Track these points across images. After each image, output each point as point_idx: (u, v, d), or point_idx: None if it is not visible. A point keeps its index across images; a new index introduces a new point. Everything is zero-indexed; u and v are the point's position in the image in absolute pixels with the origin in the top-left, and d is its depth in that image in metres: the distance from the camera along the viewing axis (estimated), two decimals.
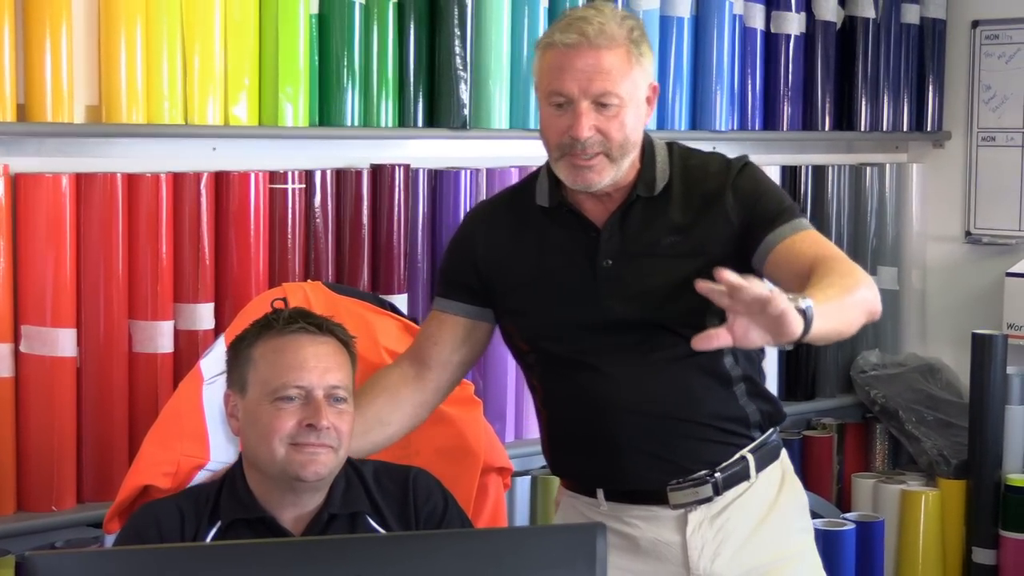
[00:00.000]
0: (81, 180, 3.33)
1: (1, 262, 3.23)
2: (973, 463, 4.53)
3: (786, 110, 4.59)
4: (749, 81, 4.51)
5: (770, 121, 4.58)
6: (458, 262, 2.95)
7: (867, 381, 4.82)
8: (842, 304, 2.56)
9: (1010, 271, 4.66)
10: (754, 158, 3.13)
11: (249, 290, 3.43)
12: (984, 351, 4.44)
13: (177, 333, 3.47)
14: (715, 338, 2.37)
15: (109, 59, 3.36)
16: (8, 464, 3.28)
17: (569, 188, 2.85)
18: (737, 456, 2.89)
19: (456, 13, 3.79)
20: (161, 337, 3.44)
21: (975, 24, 4.90)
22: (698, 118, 4.37)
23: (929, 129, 4.94)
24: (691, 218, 2.84)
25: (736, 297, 2.32)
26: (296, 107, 3.58)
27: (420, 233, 3.79)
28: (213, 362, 3.02)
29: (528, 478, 4.09)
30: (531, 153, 4.01)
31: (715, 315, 2.57)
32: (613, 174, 2.77)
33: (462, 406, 3.27)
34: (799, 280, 2.63)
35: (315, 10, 3.62)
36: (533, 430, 4.05)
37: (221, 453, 2.93)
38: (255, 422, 2.60)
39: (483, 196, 3.91)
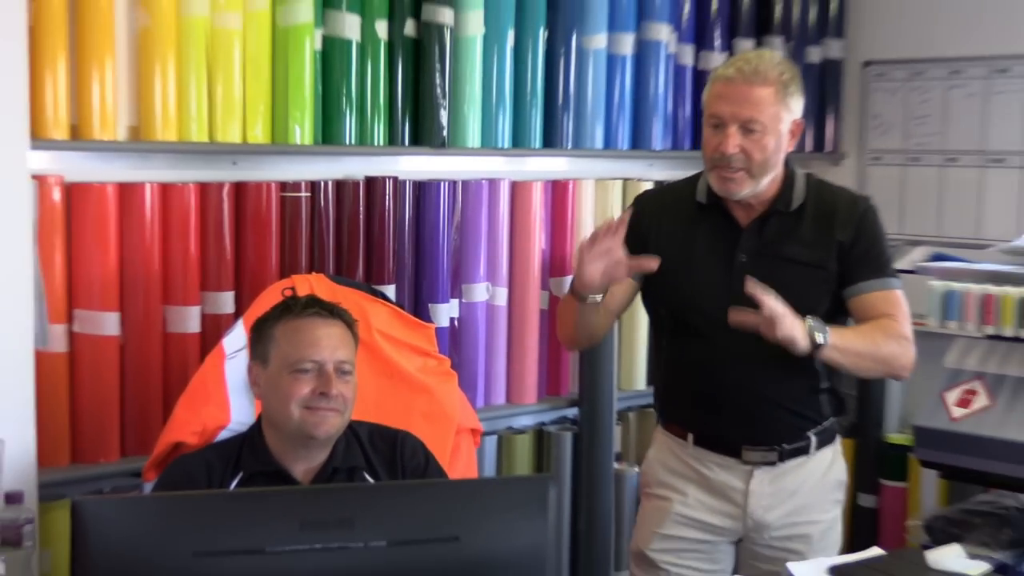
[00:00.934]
0: (123, 189, 3.35)
1: (57, 257, 3.25)
2: (860, 425, 4.62)
3: None
4: (680, 108, 4.54)
5: (698, 142, 4.52)
6: (629, 235, 2.95)
7: None
8: (860, 353, 2.86)
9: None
10: (684, 173, 3.23)
11: (264, 280, 3.45)
12: None
13: (204, 316, 3.49)
14: (749, 317, 2.71)
15: (146, 87, 3.37)
16: (63, 424, 3.30)
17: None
18: (804, 435, 3.02)
19: (437, 51, 3.83)
20: (190, 320, 3.47)
21: (866, 64, 4.96)
22: (638, 139, 4.41)
23: (828, 150, 4.98)
24: (817, 236, 2.96)
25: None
26: (303, 128, 3.60)
27: (406, 234, 3.82)
28: (234, 340, 3.09)
29: (495, 437, 4.13)
30: (498, 168, 4.12)
31: (819, 315, 2.83)
32: (752, 188, 2.92)
33: (440, 377, 3.34)
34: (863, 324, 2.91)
35: (319, 47, 3.63)
36: (500, 396, 4.13)
37: (240, 415, 3.01)
38: (276, 389, 2.67)
39: (459, 204, 3.96)
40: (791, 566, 2.58)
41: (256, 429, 2.76)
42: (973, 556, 2.62)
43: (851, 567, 2.57)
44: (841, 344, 2.80)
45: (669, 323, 3.08)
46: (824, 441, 3.05)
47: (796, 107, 2.93)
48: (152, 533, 1.90)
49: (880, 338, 2.88)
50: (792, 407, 2.98)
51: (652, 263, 2.86)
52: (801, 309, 2.76)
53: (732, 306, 2.82)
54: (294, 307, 2.74)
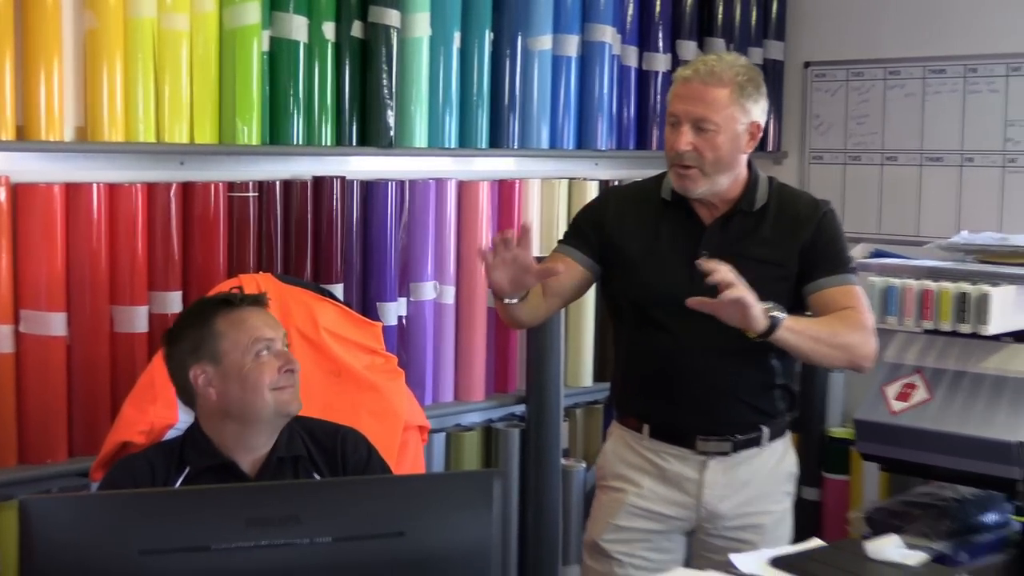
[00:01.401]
0: (70, 189, 3.32)
1: (3, 258, 3.23)
2: (803, 419, 4.57)
3: (655, 133, 4.61)
4: (625, 109, 4.55)
5: (642, 142, 4.60)
6: (589, 221, 3.05)
7: None
8: (818, 337, 2.85)
9: None
10: (629, 172, 3.24)
11: (212, 280, 3.43)
12: None
13: (151, 316, 3.46)
14: (702, 304, 2.71)
15: (94, 88, 3.35)
16: (10, 424, 3.28)
17: None
18: (757, 427, 3.03)
19: (384, 52, 3.82)
20: (138, 319, 3.44)
21: (807, 65, 4.99)
22: (583, 139, 4.42)
23: (771, 150, 5.00)
24: (778, 236, 2.98)
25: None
26: (250, 129, 3.58)
27: (354, 233, 3.82)
28: None
29: (443, 434, 4.13)
30: (445, 167, 4.12)
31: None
32: (708, 187, 2.93)
33: (387, 375, 3.33)
34: None
35: (266, 48, 3.62)
36: (448, 394, 4.12)
37: (188, 415, 2.94)
38: (242, 379, 2.65)
39: (407, 203, 3.95)
40: (734, 557, 2.58)
41: (196, 428, 2.75)
42: (912, 547, 2.63)
43: (792, 558, 2.57)
44: (797, 327, 2.80)
45: (630, 315, 3.09)
46: (776, 434, 3.07)
47: (754, 109, 2.94)
48: (99, 531, 1.88)
49: (839, 326, 2.89)
50: (747, 400, 2.99)
51: (557, 268, 2.88)
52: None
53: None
54: (222, 301, 2.75)
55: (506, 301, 2.94)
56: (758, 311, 2.70)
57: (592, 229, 3.05)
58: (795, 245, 2.96)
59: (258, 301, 2.76)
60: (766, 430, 3.03)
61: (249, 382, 2.65)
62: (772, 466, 3.08)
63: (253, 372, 2.65)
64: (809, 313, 2.96)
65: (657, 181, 3.09)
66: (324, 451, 2.78)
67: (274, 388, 2.64)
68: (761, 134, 2.99)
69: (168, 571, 1.86)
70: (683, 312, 2.81)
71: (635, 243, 3.03)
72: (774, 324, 2.74)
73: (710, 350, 2.90)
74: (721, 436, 3.01)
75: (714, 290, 2.76)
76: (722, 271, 2.67)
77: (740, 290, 2.66)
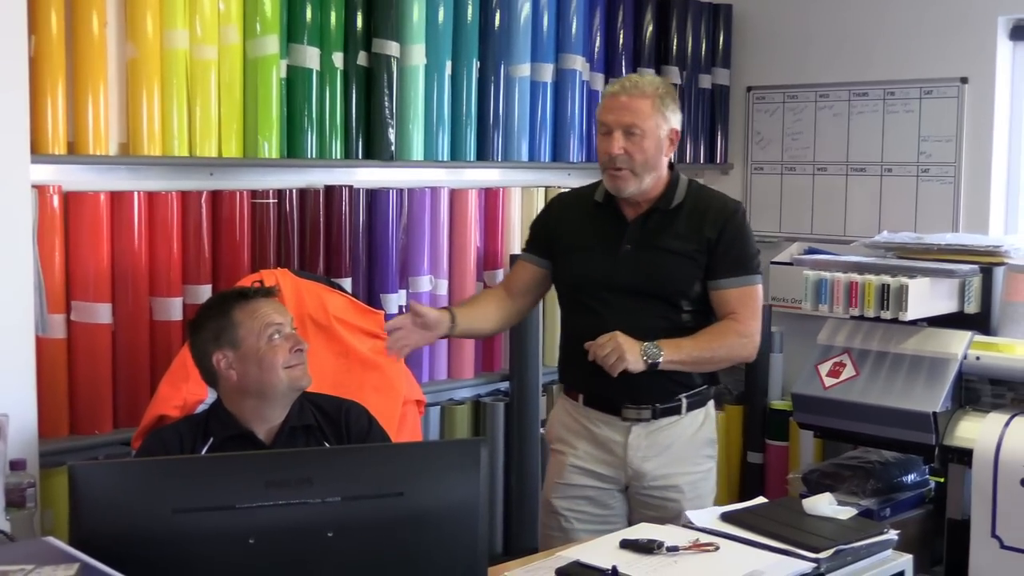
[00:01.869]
0: (114, 197, 3.31)
1: (57, 256, 3.20)
2: (748, 394, 4.63)
3: None
4: (593, 127, 4.45)
5: None
6: (537, 226, 3.09)
7: None
8: (698, 360, 2.96)
9: (773, 260, 4.76)
10: (590, 181, 3.21)
11: (237, 275, 3.39)
12: None
13: (185, 306, 3.44)
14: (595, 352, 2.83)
15: (134, 109, 3.33)
16: (62, 400, 3.26)
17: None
18: (675, 398, 3.03)
19: (385, 78, 3.80)
20: (173, 309, 3.42)
21: (749, 89, 4.97)
22: (558, 153, 4.39)
23: (719, 162, 4.97)
24: (689, 230, 2.99)
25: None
26: (270, 144, 3.55)
27: (360, 234, 3.79)
28: None
29: (438, 408, 4.09)
30: (438, 177, 4.10)
31: (688, 297, 2.96)
32: (637, 185, 2.96)
33: (389, 357, 3.29)
34: (720, 316, 2.99)
35: (284, 75, 3.60)
36: (442, 372, 4.10)
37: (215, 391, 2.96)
38: (259, 360, 2.65)
39: (406, 208, 3.93)
40: (689, 513, 2.56)
41: (218, 404, 2.75)
42: (843, 503, 2.62)
43: (740, 513, 2.55)
44: (676, 357, 2.89)
45: (567, 300, 3.13)
46: (695, 404, 3.07)
47: (673, 119, 2.99)
48: (137, 493, 1.86)
49: (715, 342, 2.95)
50: (666, 373, 2.96)
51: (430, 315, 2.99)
52: (675, 290, 2.89)
53: (614, 286, 2.97)
54: (238, 295, 2.74)
55: (446, 333, 3.05)
56: (632, 361, 2.82)
57: (541, 231, 3.10)
58: (703, 240, 2.98)
59: (269, 292, 2.76)
60: (685, 401, 3.04)
61: (265, 363, 2.65)
62: (692, 433, 3.07)
63: (268, 354, 2.65)
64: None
65: (592, 187, 3.13)
66: (331, 422, 2.77)
67: (287, 366, 2.64)
68: (679, 139, 3.03)
69: (198, 527, 1.83)
70: (609, 296, 2.94)
71: (571, 238, 3.08)
72: (654, 364, 2.85)
73: (632, 329, 2.88)
74: (643, 404, 3.01)
75: (636, 273, 2.93)
76: (593, 348, 2.83)
77: (607, 351, 2.81)
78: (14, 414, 2.82)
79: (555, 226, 3.11)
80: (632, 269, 2.97)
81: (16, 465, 2.68)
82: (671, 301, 2.96)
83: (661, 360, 2.85)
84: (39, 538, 1.88)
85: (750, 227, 3.08)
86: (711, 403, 3.15)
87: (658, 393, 3.00)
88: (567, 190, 3.30)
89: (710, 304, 3.00)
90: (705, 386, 3.08)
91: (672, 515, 2.94)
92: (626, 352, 2.80)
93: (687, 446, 3.05)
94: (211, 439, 2.66)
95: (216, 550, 1.83)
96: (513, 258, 3.75)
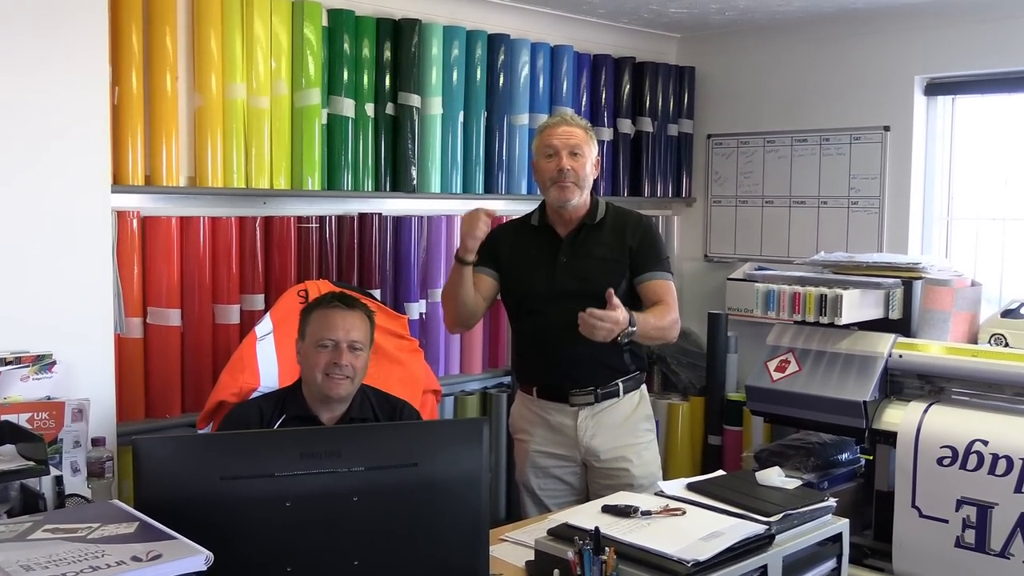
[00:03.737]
0: (183, 221, 3.27)
1: (136, 269, 3.17)
2: (708, 387, 4.54)
3: (602, 185, 4.51)
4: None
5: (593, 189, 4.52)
6: (487, 247, 2.94)
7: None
8: (651, 331, 2.81)
9: (729, 277, 4.69)
10: None
11: (285, 286, 3.33)
12: (715, 323, 4.45)
13: (242, 312, 3.39)
14: (585, 321, 2.65)
15: (200, 147, 3.29)
16: (139, 389, 3.21)
17: (548, 215, 2.99)
18: (613, 383, 2.96)
19: (408, 125, 3.75)
20: (232, 314, 3.37)
21: (709, 136, 4.90)
22: None
23: (684, 196, 4.91)
24: (613, 239, 2.95)
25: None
26: (314, 178, 3.51)
27: (388, 253, 3.73)
28: (263, 327, 3.02)
29: (452, 397, 4.02)
30: (453, 207, 4.03)
31: (624, 296, 2.82)
32: (578, 197, 2.92)
33: (410, 354, 3.25)
34: (647, 304, 2.89)
35: (324, 122, 3.55)
36: (455, 368, 4.01)
37: (266, 380, 2.93)
38: (307, 359, 2.60)
39: (425, 234, 3.87)
40: (662, 484, 2.46)
41: (297, 385, 2.66)
42: (788, 476, 2.52)
43: (703, 483, 2.45)
44: (641, 331, 2.76)
45: (514, 309, 3.04)
46: (630, 387, 3.00)
47: (595, 148, 2.98)
48: (190, 463, 1.76)
49: (663, 321, 2.85)
50: (603, 361, 2.91)
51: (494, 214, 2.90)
52: (605, 289, 2.73)
53: (556, 292, 2.88)
54: (323, 300, 2.67)
55: (470, 259, 2.88)
56: (621, 327, 2.69)
57: (489, 251, 2.97)
58: (625, 246, 2.93)
59: (346, 302, 2.63)
60: (621, 384, 2.97)
61: (308, 363, 2.59)
62: (630, 411, 3.00)
63: (312, 357, 2.57)
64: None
65: (528, 215, 3.08)
66: (387, 417, 2.68)
67: (325, 373, 2.54)
68: (600, 165, 3.03)
69: (241, 493, 1.74)
70: (552, 301, 2.88)
71: (515, 257, 3.00)
72: (631, 333, 2.73)
73: (573, 328, 2.75)
74: (586, 388, 2.93)
75: (573, 279, 2.87)
76: (592, 319, 2.66)
77: (606, 326, 2.66)
78: (95, 399, 2.73)
79: (501, 247, 3.01)
80: (569, 276, 2.91)
81: (97, 442, 2.59)
82: (602, 299, 2.77)
83: (636, 330, 2.74)
84: (106, 501, 1.78)
85: (661, 234, 3.07)
86: (643, 386, 3.08)
87: (598, 379, 2.94)
88: (507, 222, 3.18)
89: (632, 300, 2.90)
90: (637, 372, 3.02)
91: (624, 482, 2.90)
92: (614, 332, 2.69)
93: (627, 423, 2.98)
94: (284, 415, 2.60)
95: (257, 512, 1.74)
96: None
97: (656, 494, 2.42)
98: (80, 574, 1.38)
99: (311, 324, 2.61)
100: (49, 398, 2.61)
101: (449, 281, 2.99)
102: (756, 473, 2.49)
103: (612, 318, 2.66)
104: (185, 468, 1.74)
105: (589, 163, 2.92)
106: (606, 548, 1.94)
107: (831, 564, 2.32)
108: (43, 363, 2.63)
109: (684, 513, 2.22)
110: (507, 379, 4.18)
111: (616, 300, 2.68)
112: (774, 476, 2.46)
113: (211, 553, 1.49)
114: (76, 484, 2.49)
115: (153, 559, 1.44)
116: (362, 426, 2.41)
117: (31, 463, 2.14)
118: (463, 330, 3.12)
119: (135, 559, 1.43)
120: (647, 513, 2.20)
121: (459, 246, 2.90)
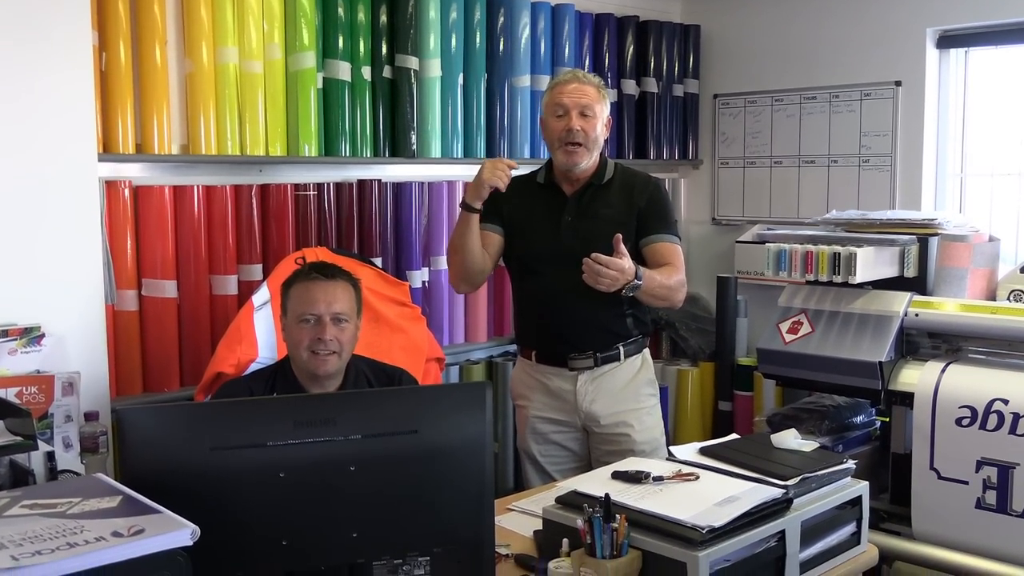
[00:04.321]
0: (177, 190, 3.16)
1: (129, 241, 3.07)
2: (719, 352, 4.44)
3: (606, 149, 4.35)
4: None
5: None
6: (493, 203, 2.83)
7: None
8: (656, 289, 2.72)
9: (738, 240, 4.58)
10: None
11: (283, 255, 3.22)
12: (724, 287, 4.35)
13: (239, 282, 3.29)
14: (590, 265, 2.55)
15: (193, 115, 3.19)
16: (136, 363, 3.12)
17: (554, 173, 2.88)
18: (613, 347, 2.86)
19: (407, 88, 3.63)
20: (229, 285, 3.27)
21: (715, 96, 4.78)
22: None
23: (690, 158, 4.80)
24: (620, 200, 2.85)
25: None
26: (310, 145, 3.40)
27: (388, 221, 3.62)
28: (260, 296, 2.95)
29: (457, 366, 3.93)
30: (454, 172, 3.92)
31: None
32: (587, 160, 2.81)
33: (413, 322, 3.17)
34: (652, 266, 2.77)
35: (320, 86, 3.43)
36: (460, 337, 3.92)
37: (265, 351, 2.85)
38: (290, 336, 2.49)
39: (426, 201, 3.74)
40: (673, 449, 2.37)
41: (286, 362, 2.55)
42: (804, 438, 2.42)
43: (716, 447, 2.36)
44: (650, 282, 2.68)
45: (517, 269, 2.93)
46: (632, 351, 2.91)
47: (608, 108, 2.86)
48: (179, 434, 1.66)
49: (670, 281, 2.76)
50: (604, 325, 2.82)
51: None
52: (609, 250, 2.63)
53: (558, 252, 2.77)
54: (302, 272, 2.52)
55: (478, 205, 2.75)
56: (627, 278, 2.60)
57: (494, 204, 2.84)
58: (632, 207, 2.82)
59: (325, 272, 2.50)
60: (622, 349, 2.87)
61: (292, 341, 2.48)
62: (631, 376, 2.90)
63: (294, 334, 2.46)
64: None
65: (534, 172, 2.97)
66: (387, 386, 2.56)
67: (310, 351, 2.42)
68: (611, 126, 2.91)
69: (233, 464, 1.64)
70: (553, 262, 2.78)
71: (519, 214, 2.88)
72: (636, 285, 2.64)
73: (574, 291, 2.69)
74: (586, 352, 2.84)
75: (577, 239, 2.74)
76: (595, 266, 2.56)
77: (608, 277, 2.57)
78: (87, 373, 2.66)
79: (506, 204, 2.89)
80: (573, 236, 2.80)
81: (90, 416, 2.52)
82: None
83: (641, 283, 2.65)
84: (90, 475, 1.69)
85: (669, 197, 2.96)
86: (647, 351, 2.98)
87: (599, 343, 2.85)
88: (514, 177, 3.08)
89: (637, 261, 2.78)
90: (640, 336, 2.93)
91: (626, 448, 2.82)
92: (619, 282, 2.59)
93: (629, 387, 2.89)
94: (274, 394, 2.48)
95: (250, 484, 1.64)
96: None
97: (667, 459, 2.32)
98: (56, 551, 1.29)
99: (291, 299, 2.49)
100: (39, 372, 2.53)
101: (455, 232, 2.86)
102: (771, 436, 2.39)
103: (618, 265, 2.56)
104: (173, 439, 1.64)
105: (600, 123, 2.81)
106: (617, 515, 1.85)
107: (851, 528, 2.22)
108: (31, 336, 2.54)
109: (697, 478, 2.13)
110: (513, 347, 4.08)
111: (623, 248, 2.58)
112: (790, 438, 2.36)
113: (197, 527, 1.40)
114: (69, 460, 2.40)
115: (135, 534, 1.35)
116: (359, 392, 2.32)
117: (18, 438, 2.05)
118: (469, 289, 2.98)
119: (116, 534, 1.34)
120: (659, 479, 2.11)
121: (468, 191, 2.76)
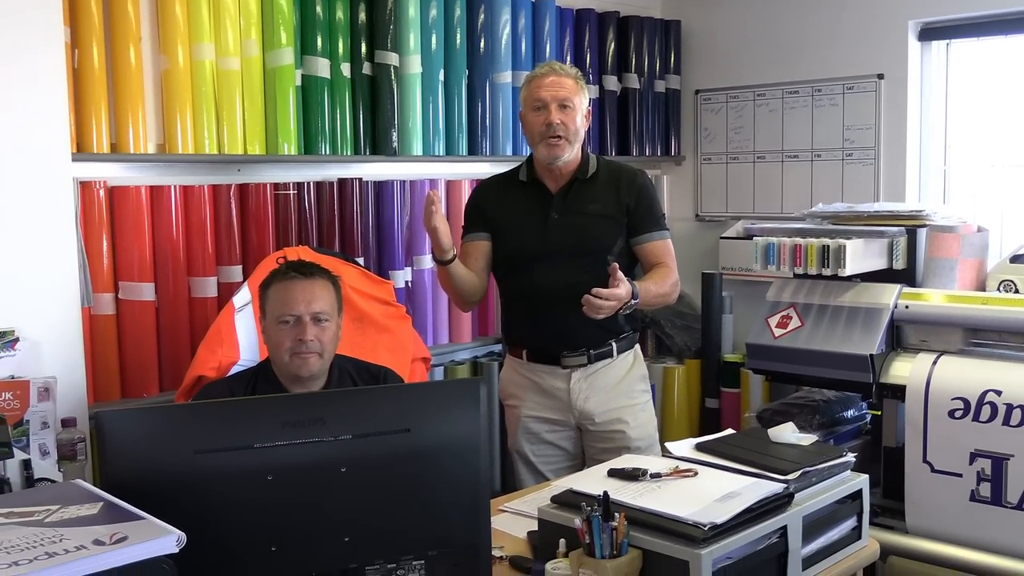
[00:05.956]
0: (153, 190, 3.08)
1: (104, 243, 2.98)
2: (704, 349, 4.39)
3: (588, 145, 4.30)
4: None
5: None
6: (474, 206, 2.84)
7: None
8: (652, 299, 2.73)
9: (722, 236, 4.53)
10: None
11: (263, 256, 3.15)
12: (709, 283, 4.31)
13: (219, 284, 3.21)
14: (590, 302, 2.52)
15: (170, 114, 3.10)
16: (114, 368, 3.03)
17: (537, 170, 2.82)
18: (606, 343, 2.82)
19: (387, 85, 3.56)
20: (208, 287, 3.19)
21: (697, 92, 4.73)
22: None
23: (673, 154, 4.75)
24: (607, 195, 2.80)
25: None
26: (289, 143, 3.32)
27: (370, 219, 3.55)
28: (241, 297, 2.88)
29: (442, 367, 3.86)
30: (435, 170, 3.85)
31: (611, 252, 2.73)
32: (568, 153, 2.76)
33: (397, 321, 3.10)
34: (646, 265, 2.78)
35: (299, 83, 3.36)
36: (444, 337, 3.85)
37: (247, 354, 2.78)
38: (270, 338, 2.42)
39: (407, 199, 3.67)
40: (669, 445, 2.31)
41: (267, 364, 2.48)
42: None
43: (712, 442, 2.30)
44: (645, 294, 2.67)
45: (504, 268, 2.87)
46: (624, 347, 2.87)
47: (587, 100, 2.81)
48: (161, 436, 1.58)
49: (664, 287, 2.76)
50: (596, 322, 2.72)
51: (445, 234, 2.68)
52: (599, 247, 2.65)
53: (547, 250, 2.74)
54: (279, 271, 2.45)
55: (450, 257, 2.69)
56: (624, 302, 2.58)
57: (477, 213, 2.83)
58: (620, 202, 2.78)
59: (303, 271, 2.42)
60: (615, 345, 2.83)
61: (272, 343, 2.40)
62: (624, 372, 2.86)
63: (275, 336, 2.38)
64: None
65: (516, 170, 2.91)
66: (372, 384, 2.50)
67: (292, 352, 2.35)
68: (591, 117, 2.88)
69: (218, 467, 1.57)
70: (543, 261, 2.73)
71: (504, 214, 2.83)
72: (634, 304, 2.63)
73: (564, 287, 2.67)
74: (579, 352, 2.79)
75: (564, 236, 2.72)
76: (595, 302, 2.52)
77: (609, 306, 2.54)
78: (64, 378, 2.58)
79: (488, 204, 2.85)
80: (561, 233, 2.75)
81: (67, 423, 2.44)
82: (596, 257, 2.72)
83: (638, 302, 2.64)
84: (68, 481, 1.61)
85: (655, 188, 2.93)
86: (638, 346, 2.94)
87: (591, 340, 2.80)
88: (489, 176, 3.02)
89: (628, 258, 2.80)
90: (631, 331, 2.89)
91: (621, 445, 2.78)
92: (617, 307, 2.58)
93: (623, 383, 2.85)
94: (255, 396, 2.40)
95: (236, 488, 1.57)
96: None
97: (663, 455, 2.27)
98: (34, 561, 1.22)
99: (269, 300, 2.42)
100: (13, 377, 2.44)
101: (439, 279, 2.84)
102: (769, 430, 2.34)
103: (616, 296, 2.54)
104: (155, 442, 1.57)
105: (580, 115, 2.77)
106: (616, 514, 1.79)
107: (851, 523, 2.18)
108: (5, 340, 2.46)
109: (696, 474, 2.07)
110: (498, 347, 4.03)
111: (620, 274, 2.55)
112: (788, 432, 2.32)
113: (183, 534, 1.32)
114: (46, 468, 2.32)
115: (117, 542, 1.27)
116: (349, 391, 2.24)
117: None
118: (473, 307, 2.98)
119: (97, 543, 1.27)
120: (656, 475, 2.05)
121: (432, 248, 2.71)
